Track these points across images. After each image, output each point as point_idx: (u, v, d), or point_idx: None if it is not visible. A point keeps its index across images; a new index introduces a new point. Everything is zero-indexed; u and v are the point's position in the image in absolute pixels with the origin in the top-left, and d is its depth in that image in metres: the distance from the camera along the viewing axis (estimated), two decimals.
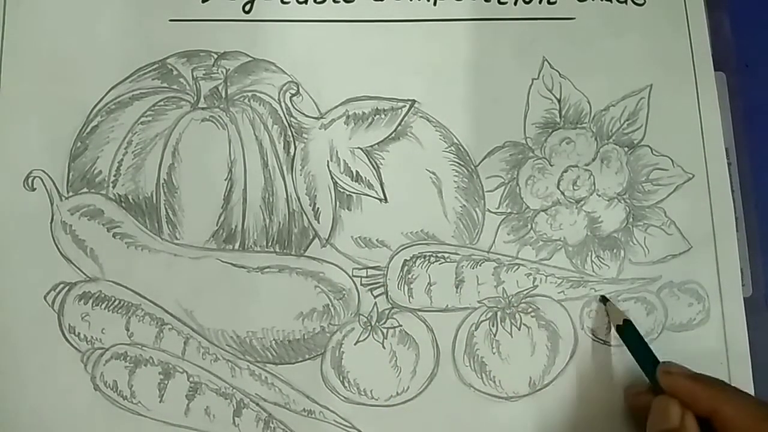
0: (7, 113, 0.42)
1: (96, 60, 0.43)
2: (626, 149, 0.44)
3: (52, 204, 0.41)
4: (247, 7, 0.44)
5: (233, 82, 0.43)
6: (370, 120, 0.43)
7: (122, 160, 0.42)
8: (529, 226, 0.43)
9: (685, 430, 0.35)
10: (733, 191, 0.44)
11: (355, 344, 0.41)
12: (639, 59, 0.45)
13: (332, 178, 0.42)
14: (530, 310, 0.42)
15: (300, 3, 0.44)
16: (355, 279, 0.42)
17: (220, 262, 0.41)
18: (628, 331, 0.40)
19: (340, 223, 0.42)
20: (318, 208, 0.42)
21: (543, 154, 0.44)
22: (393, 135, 0.43)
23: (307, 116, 0.43)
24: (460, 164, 0.43)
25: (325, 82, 0.43)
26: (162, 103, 0.42)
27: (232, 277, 0.41)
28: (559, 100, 0.44)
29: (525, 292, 0.42)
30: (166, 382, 0.40)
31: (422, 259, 0.42)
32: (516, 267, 0.42)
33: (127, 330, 0.40)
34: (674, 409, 0.36)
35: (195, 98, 0.43)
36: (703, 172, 0.44)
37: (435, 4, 0.45)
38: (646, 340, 0.40)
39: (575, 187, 0.44)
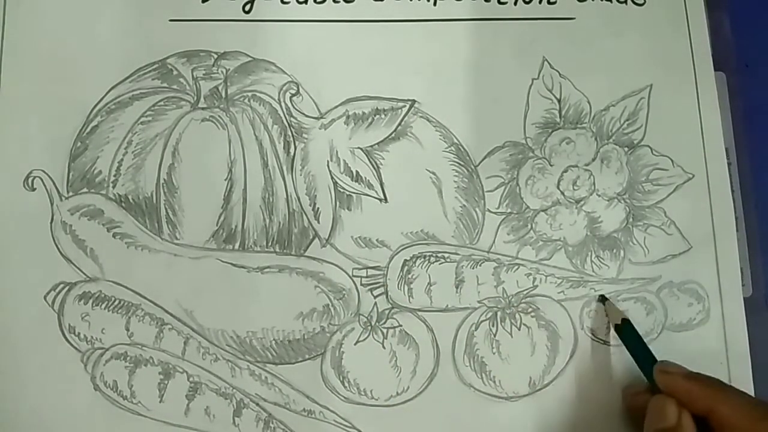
0: (7, 113, 0.42)
1: (96, 60, 0.43)
2: (626, 149, 0.44)
3: (52, 204, 0.41)
4: (247, 7, 0.44)
5: (233, 82, 0.43)
6: (370, 120, 0.43)
7: (122, 160, 0.42)
8: (529, 226, 0.43)
9: (681, 429, 0.35)
10: (733, 191, 0.44)
11: (355, 344, 0.41)
12: (639, 59, 0.45)
13: (332, 178, 0.42)
14: (530, 310, 0.42)
15: (300, 3, 0.44)
16: (355, 279, 0.42)
17: (220, 262, 0.41)
18: (626, 331, 0.40)
19: (340, 223, 0.42)
20: (318, 208, 0.42)
21: (543, 154, 0.44)
22: (393, 135, 0.43)
23: (307, 116, 0.43)
24: (460, 164, 0.43)
25: (325, 82, 0.43)
26: (162, 103, 0.42)
27: (232, 277, 0.41)
28: (559, 100, 0.44)
29: (525, 292, 0.42)
30: (166, 382, 0.40)
31: (422, 259, 0.42)
32: (516, 267, 0.42)
33: (127, 330, 0.40)
34: (671, 408, 0.36)
35: (195, 98, 0.43)
36: (703, 172, 0.44)
37: (435, 4, 0.45)
38: (645, 340, 0.40)
39: (575, 187, 0.44)
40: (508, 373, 0.41)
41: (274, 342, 0.41)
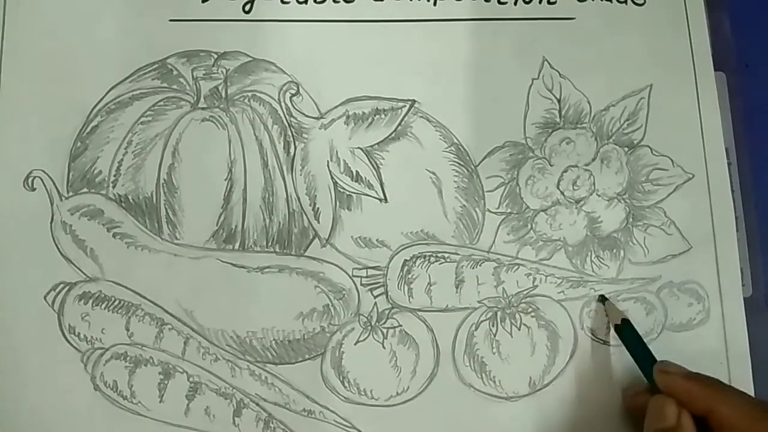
0: (7, 113, 0.42)
1: (96, 60, 0.43)
2: (626, 149, 0.44)
3: (52, 204, 0.41)
4: (247, 7, 0.44)
5: (233, 82, 0.43)
6: (370, 120, 0.43)
7: (122, 160, 0.42)
8: (529, 226, 0.43)
9: (681, 429, 0.35)
10: (733, 191, 0.44)
11: (355, 344, 0.41)
12: (639, 59, 0.45)
13: (332, 178, 0.42)
14: (530, 310, 0.42)
15: (300, 3, 0.44)
16: (355, 279, 0.42)
17: (220, 262, 0.41)
18: (626, 331, 0.40)
19: (340, 223, 0.42)
20: (318, 208, 0.42)
21: (543, 154, 0.44)
22: (393, 135, 0.43)
23: (307, 116, 0.43)
24: (460, 164, 0.43)
25: (325, 82, 0.43)
26: (162, 103, 0.42)
27: (232, 277, 0.41)
28: (559, 100, 0.44)
29: (525, 292, 0.42)
30: (166, 382, 0.40)
31: (422, 259, 0.42)
32: (516, 267, 0.42)
33: (127, 330, 0.40)
34: (671, 408, 0.36)
35: (195, 98, 0.43)
36: (703, 172, 0.44)
37: (435, 4, 0.45)
38: (645, 340, 0.40)
39: (575, 187, 0.44)
40: (508, 373, 0.41)
41: (274, 342, 0.41)
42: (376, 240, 0.42)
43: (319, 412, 0.40)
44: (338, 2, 0.44)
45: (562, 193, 0.43)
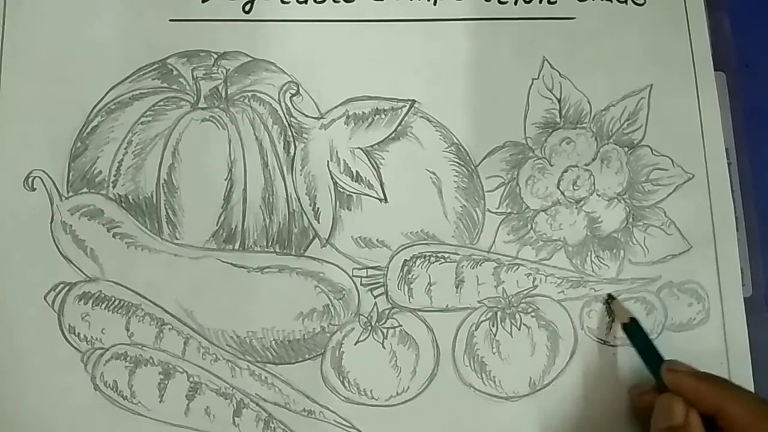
0: (7, 113, 0.42)
1: (96, 60, 0.43)
2: (626, 149, 0.44)
3: (52, 204, 0.41)
4: (247, 7, 0.44)
5: (233, 82, 0.43)
6: (370, 120, 0.43)
7: (122, 160, 0.42)
8: (529, 226, 0.43)
9: (689, 427, 0.35)
10: (733, 191, 0.44)
11: (355, 344, 0.41)
12: (639, 59, 0.45)
13: (332, 178, 0.42)
14: (530, 310, 0.42)
15: (300, 3, 0.44)
16: (355, 279, 0.42)
17: (220, 262, 0.41)
18: (634, 330, 0.40)
19: (340, 223, 0.42)
20: (318, 208, 0.42)
21: (543, 154, 0.44)
22: (393, 135, 0.43)
23: (307, 116, 0.43)
24: (460, 164, 0.43)
25: (325, 82, 0.43)
26: (162, 103, 0.42)
27: (232, 277, 0.41)
28: (559, 100, 0.44)
29: (525, 292, 0.42)
30: (166, 382, 0.40)
31: (422, 259, 0.42)
32: (516, 267, 0.42)
33: (127, 330, 0.40)
34: (678, 406, 0.36)
35: (195, 98, 0.43)
36: (703, 172, 0.44)
37: (435, 3, 0.45)
38: None
39: (575, 187, 0.44)
40: (508, 373, 0.41)
41: (274, 342, 0.41)
42: (376, 240, 0.42)
43: (319, 412, 0.40)
44: (338, 2, 0.44)
45: (562, 193, 0.43)
